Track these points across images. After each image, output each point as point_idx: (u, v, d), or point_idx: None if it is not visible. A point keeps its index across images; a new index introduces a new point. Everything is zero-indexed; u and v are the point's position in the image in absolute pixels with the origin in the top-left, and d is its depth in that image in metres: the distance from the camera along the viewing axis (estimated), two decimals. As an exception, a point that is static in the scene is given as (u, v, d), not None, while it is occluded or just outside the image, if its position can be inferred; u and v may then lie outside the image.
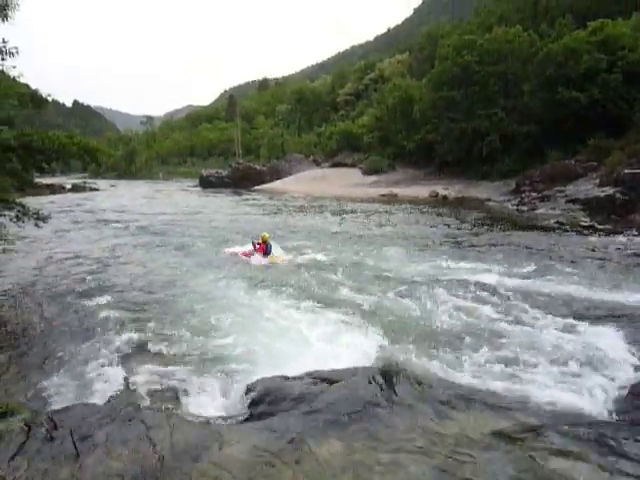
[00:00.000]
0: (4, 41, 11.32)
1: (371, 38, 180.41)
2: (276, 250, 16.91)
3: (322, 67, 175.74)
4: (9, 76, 12.60)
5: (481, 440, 5.24)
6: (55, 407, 6.46)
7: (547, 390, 6.90)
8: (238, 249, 17.86)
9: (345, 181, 52.61)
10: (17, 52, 11.59)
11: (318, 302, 11.49)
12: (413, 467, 4.71)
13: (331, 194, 45.98)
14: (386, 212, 31.49)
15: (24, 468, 4.64)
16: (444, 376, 7.41)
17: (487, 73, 42.94)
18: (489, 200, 35.74)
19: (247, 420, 6.09)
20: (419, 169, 51.00)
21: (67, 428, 5.38)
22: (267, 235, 16.89)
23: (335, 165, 63.35)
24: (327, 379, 6.77)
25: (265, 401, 6.39)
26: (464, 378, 7.37)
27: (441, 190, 41.27)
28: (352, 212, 32.07)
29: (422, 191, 42.02)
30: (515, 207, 31.26)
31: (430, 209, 32.40)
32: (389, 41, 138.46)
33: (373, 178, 52.64)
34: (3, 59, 11.51)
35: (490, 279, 13.18)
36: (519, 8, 55.05)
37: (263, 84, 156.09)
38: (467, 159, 44.01)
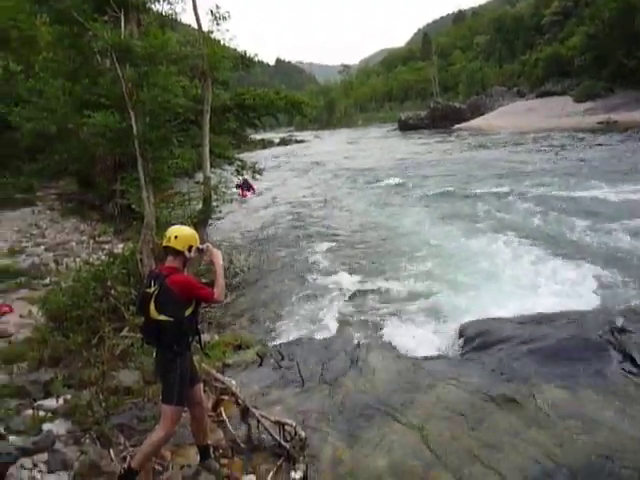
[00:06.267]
0: (218, 7, 12.14)
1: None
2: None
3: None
4: (223, 40, 13.30)
5: None
6: (281, 341, 7.35)
7: None
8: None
9: (554, 111, 48.71)
10: (229, 16, 12.32)
11: (531, 243, 11.17)
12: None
13: (539, 127, 43.14)
14: (602, 143, 28.77)
15: (258, 392, 5.49)
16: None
17: None
18: None
19: (460, 361, 6.22)
20: (644, 90, 44.74)
21: (293, 360, 6.21)
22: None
23: (542, 95, 58.86)
24: (541, 321, 6.70)
25: (478, 342, 6.45)
26: None
27: (673, 112, 35.91)
28: (561, 146, 29.85)
29: (648, 115, 37.08)
30: None
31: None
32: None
33: (587, 105, 48.09)
34: (218, 24, 12.29)
35: None
36: None
37: (458, 17, 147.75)
38: None
